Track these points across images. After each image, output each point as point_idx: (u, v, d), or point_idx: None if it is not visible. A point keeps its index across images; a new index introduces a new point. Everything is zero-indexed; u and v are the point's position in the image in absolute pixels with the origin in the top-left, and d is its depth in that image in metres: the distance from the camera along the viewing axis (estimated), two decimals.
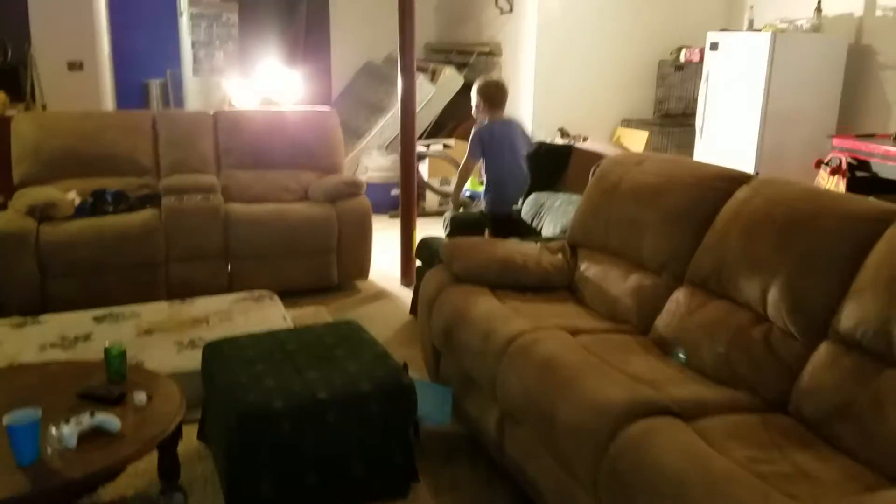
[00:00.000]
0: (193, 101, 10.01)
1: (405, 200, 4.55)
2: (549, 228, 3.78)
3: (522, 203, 4.11)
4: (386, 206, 6.13)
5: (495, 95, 3.85)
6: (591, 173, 3.08)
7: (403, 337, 3.84)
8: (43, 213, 4.02)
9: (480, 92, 3.85)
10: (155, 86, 13.00)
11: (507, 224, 3.90)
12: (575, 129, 6.04)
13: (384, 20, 7.61)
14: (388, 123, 6.42)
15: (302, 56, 8.07)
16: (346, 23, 7.63)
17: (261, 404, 2.21)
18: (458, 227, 3.99)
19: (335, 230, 4.38)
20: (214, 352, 2.62)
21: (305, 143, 4.85)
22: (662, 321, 2.45)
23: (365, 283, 4.62)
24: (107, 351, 2.33)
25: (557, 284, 2.89)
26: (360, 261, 4.47)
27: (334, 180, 4.61)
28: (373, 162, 6.25)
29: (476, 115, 3.92)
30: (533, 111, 6.25)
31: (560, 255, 2.98)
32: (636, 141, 6.05)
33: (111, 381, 2.31)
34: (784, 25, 5.23)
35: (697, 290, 2.41)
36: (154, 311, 3.65)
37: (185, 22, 10.80)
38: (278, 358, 2.47)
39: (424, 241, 3.95)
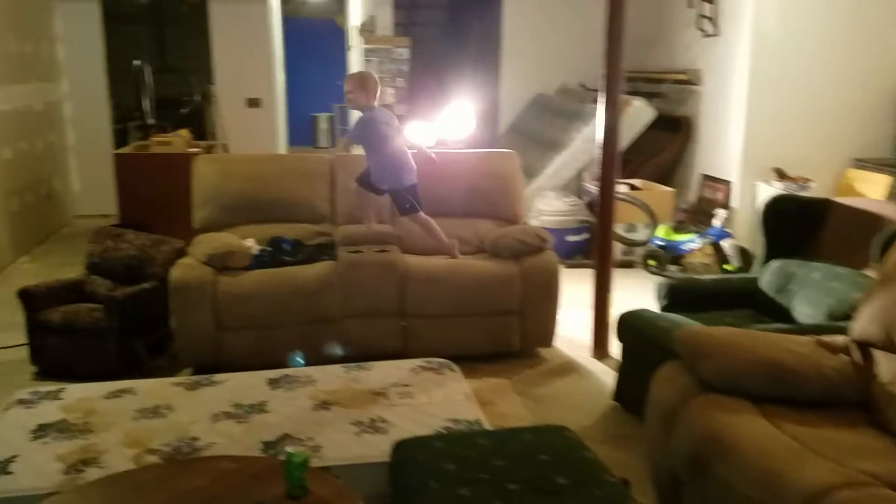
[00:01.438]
0: None
1: (601, 255, 4.01)
2: (804, 309, 3.13)
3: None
4: (561, 254, 5.63)
5: (376, 86, 3.97)
6: (874, 243, 2.42)
7: (606, 431, 3.30)
8: (222, 263, 3.89)
9: (366, 81, 3.95)
10: (322, 120, 13.40)
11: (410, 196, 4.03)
12: (794, 170, 5.27)
13: (559, 49, 7.22)
14: (566, 162, 5.94)
15: (470, 91, 7.82)
16: (517, 53, 7.27)
17: None
18: (681, 298, 3.38)
19: (517, 290, 3.95)
20: (406, 456, 2.24)
21: (483, 189, 4.48)
22: None
23: (549, 350, 4.14)
24: (288, 459, 2.00)
25: (845, 398, 2.26)
26: (544, 326, 4.00)
27: (517, 233, 4.18)
28: (547, 204, 5.78)
29: (357, 103, 3.94)
30: (743, 148, 5.55)
31: (844, 357, 2.33)
32: (873, 186, 5.16)
33: (290, 495, 1.98)
34: None
35: None
36: (329, 378, 3.37)
37: (353, 57, 10.96)
38: (485, 480, 2.03)
39: (628, 319, 3.37)
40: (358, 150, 4.24)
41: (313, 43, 12.93)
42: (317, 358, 3.84)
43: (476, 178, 4.48)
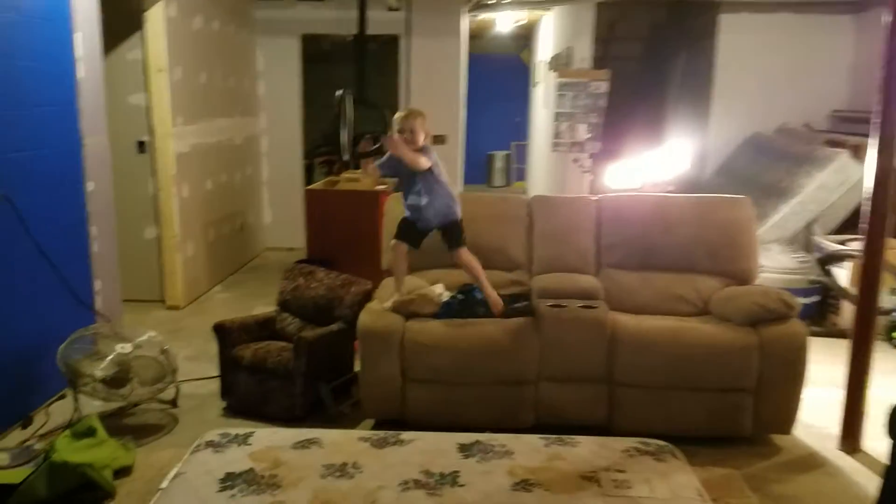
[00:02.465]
0: (542, 176, 9.74)
1: (860, 327, 3.29)
2: None
3: None
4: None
5: None
6: None
7: None
8: (408, 310, 3.62)
9: (422, 122, 3.56)
10: (499, 158, 13.23)
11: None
12: None
13: (779, 85, 6.47)
14: (794, 212, 5.19)
15: (674, 128, 7.23)
16: (731, 88, 6.59)
17: None
18: None
19: (754, 363, 3.33)
20: None
21: (708, 240, 3.89)
22: None
23: (786, 438, 3.47)
24: None
25: None
26: (785, 409, 3.33)
27: (756, 295, 3.53)
28: (771, 260, 5.04)
29: (417, 142, 3.52)
30: None
31: None
32: None
33: None
34: None
35: None
36: (527, 450, 2.94)
37: (538, 93, 10.69)
38: None
39: None
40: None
41: (494, 79, 12.87)
42: (511, 425, 3.46)
43: (700, 228, 3.90)
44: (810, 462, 3.29)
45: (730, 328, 3.45)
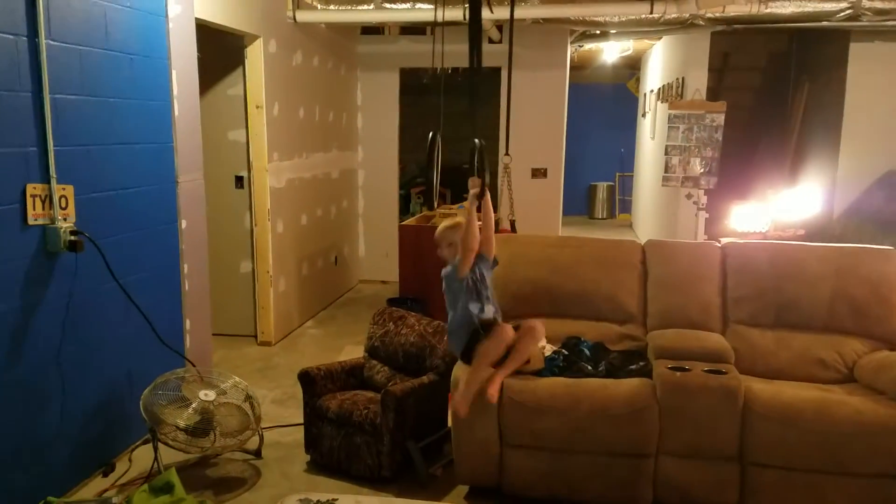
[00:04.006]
0: (650, 210, 9.24)
1: None
2: None
3: None
4: None
5: None
6: None
7: None
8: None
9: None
10: (601, 189, 12.75)
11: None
12: None
13: None
14: None
15: (797, 165, 6.62)
16: (864, 125, 5.96)
17: None
18: None
19: None
20: None
21: (852, 297, 3.39)
22: None
23: None
24: None
25: None
26: None
27: None
28: None
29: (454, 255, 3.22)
30: None
31: None
32: None
33: None
34: None
35: None
36: None
37: (646, 125, 10.21)
38: None
39: None
40: None
41: (599, 109, 12.48)
42: (626, 502, 3.05)
43: (843, 281, 3.41)
44: None
45: (883, 403, 2.92)
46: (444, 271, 3.32)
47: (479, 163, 3.32)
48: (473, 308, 3.17)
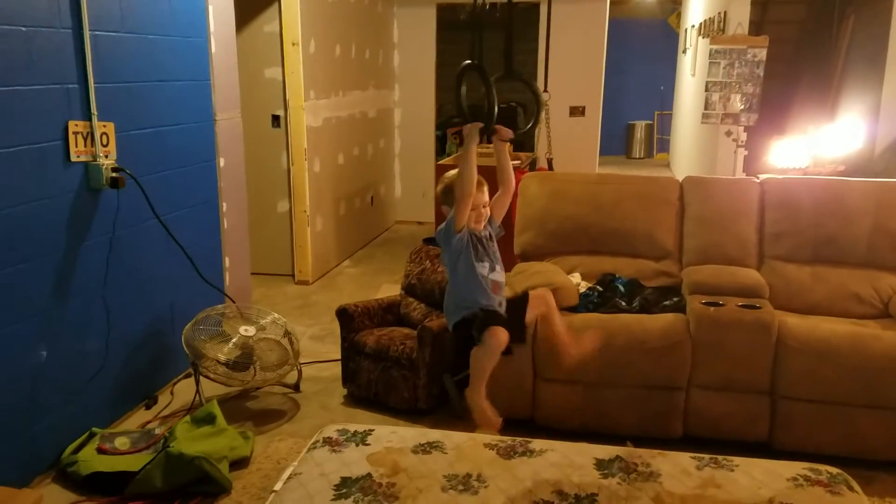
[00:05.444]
0: (689, 149, 9.06)
1: None
2: None
3: None
4: None
5: None
6: None
7: None
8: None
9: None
10: (640, 128, 12.51)
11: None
12: None
13: None
14: None
15: (840, 101, 6.41)
16: None
17: None
18: None
19: None
20: None
21: (892, 231, 3.33)
22: None
23: None
24: None
25: None
26: None
27: None
28: None
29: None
30: None
31: None
32: None
33: None
34: None
35: None
36: (676, 473, 2.57)
37: (686, 61, 9.92)
38: None
39: None
40: None
41: (638, 45, 12.15)
42: (657, 434, 3.10)
43: (882, 217, 3.35)
44: None
45: None
46: (437, 230, 2.71)
47: (487, 97, 2.86)
48: (482, 269, 2.62)
